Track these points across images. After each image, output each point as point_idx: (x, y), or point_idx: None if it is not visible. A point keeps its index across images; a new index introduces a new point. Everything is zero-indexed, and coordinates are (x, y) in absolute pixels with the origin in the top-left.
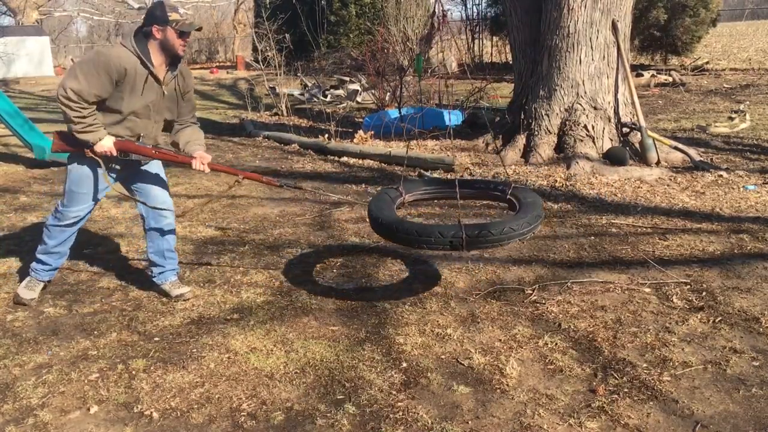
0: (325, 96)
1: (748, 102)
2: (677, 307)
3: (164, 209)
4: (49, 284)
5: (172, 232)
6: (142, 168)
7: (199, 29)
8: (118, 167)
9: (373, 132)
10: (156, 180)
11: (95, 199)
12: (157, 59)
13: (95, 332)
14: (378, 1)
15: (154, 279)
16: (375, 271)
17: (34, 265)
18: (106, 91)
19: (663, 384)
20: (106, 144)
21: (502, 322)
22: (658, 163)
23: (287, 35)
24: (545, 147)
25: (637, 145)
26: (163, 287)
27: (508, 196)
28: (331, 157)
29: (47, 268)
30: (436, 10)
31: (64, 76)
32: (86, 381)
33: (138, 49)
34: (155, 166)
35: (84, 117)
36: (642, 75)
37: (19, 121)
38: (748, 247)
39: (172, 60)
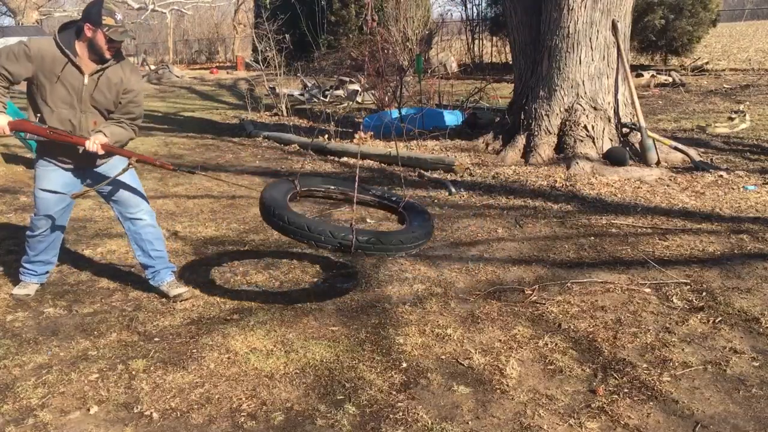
0: (325, 96)
1: (748, 102)
2: (677, 307)
3: (139, 210)
4: (42, 285)
5: (154, 232)
6: (105, 173)
7: (133, 38)
8: (70, 164)
9: (372, 132)
10: (127, 187)
11: (64, 203)
12: (82, 52)
13: (95, 332)
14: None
15: (151, 282)
16: (375, 271)
17: (21, 269)
18: (21, 74)
19: (663, 384)
20: (1, 121)
21: (502, 322)
22: (658, 163)
23: (287, 35)
24: (545, 147)
25: (637, 146)
26: (161, 288)
27: (400, 209)
28: (331, 157)
29: (33, 273)
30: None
31: None
32: (86, 381)
33: (60, 38)
34: (126, 176)
35: None
36: (642, 75)
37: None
38: (748, 247)
39: (98, 60)
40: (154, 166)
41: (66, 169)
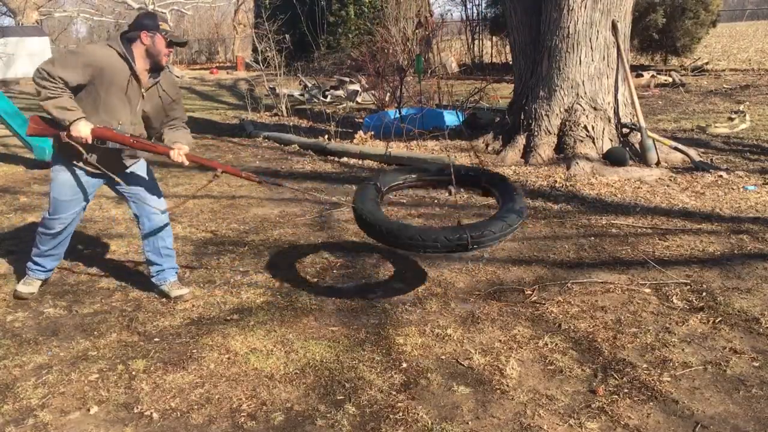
0: (325, 96)
1: (747, 102)
2: (677, 307)
3: (156, 208)
4: (46, 282)
5: (167, 230)
6: (129, 170)
7: (185, 44)
8: (98, 166)
9: (373, 132)
10: (144, 181)
11: (81, 205)
12: (139, 63)
13: (95, 332)
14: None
15: (153, 279)
16: (375, 271)
17: (29, 264)
18: (77, 80)
19: (663, 384)
20: (83, 128)
21: (502, 323)
22: (658, 163)
23: (287, 36)
24: (545, 147)
25: (637, 146)
26: (162, 288)
27: (483, 184)
28: (331, 158)
29: (42, 269)
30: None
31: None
32: (86, 381)
33: (123, 49)
34: (141, 169)
35: (59, 93)
36: (642, 75)
37: (19, 121)
38: (748, 247)
39: (154, 67)
40: (238, 177)
41: (82, 171)
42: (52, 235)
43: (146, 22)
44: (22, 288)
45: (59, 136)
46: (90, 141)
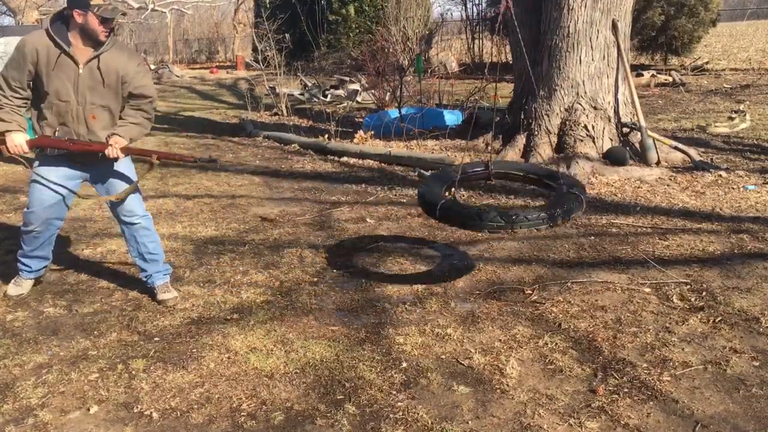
0: (325, 96)
1: (748, 102)
2: (677, 307)
3: (134, 213)
4: (39, 283)
5: (149, 234)
6: (108, 169)
7: (123, 14)
8: (76, 159)
9: (373, 132)
10: (120, 184)
11: (56, 200)
12: (76, 41)
13: (95, 332)
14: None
15: (146, 282)
16: (375, 271)
17: (18, 264)
18: (26, 74)
19: (663, 384)
20: (17, 139)
21: (502, 322)
22: (658, 163)
23: (287, 35)
24: (545, 147)
25: (637, 145)
26: (153, 288)
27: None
28: (331, 157)
29: (29, 269)
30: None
31: None
32: (86, 381)
33: (52, 29)
34: (124, 168)
35: (1, 104)
36: (642, 75)
37: None
38: (748, 247)
39: (95, 45)
40: (174, 161)
41: (67, 164)
42: (32, 233)
43: None
44: (12, 289)
45: (4, 148)
46: (26, 151)
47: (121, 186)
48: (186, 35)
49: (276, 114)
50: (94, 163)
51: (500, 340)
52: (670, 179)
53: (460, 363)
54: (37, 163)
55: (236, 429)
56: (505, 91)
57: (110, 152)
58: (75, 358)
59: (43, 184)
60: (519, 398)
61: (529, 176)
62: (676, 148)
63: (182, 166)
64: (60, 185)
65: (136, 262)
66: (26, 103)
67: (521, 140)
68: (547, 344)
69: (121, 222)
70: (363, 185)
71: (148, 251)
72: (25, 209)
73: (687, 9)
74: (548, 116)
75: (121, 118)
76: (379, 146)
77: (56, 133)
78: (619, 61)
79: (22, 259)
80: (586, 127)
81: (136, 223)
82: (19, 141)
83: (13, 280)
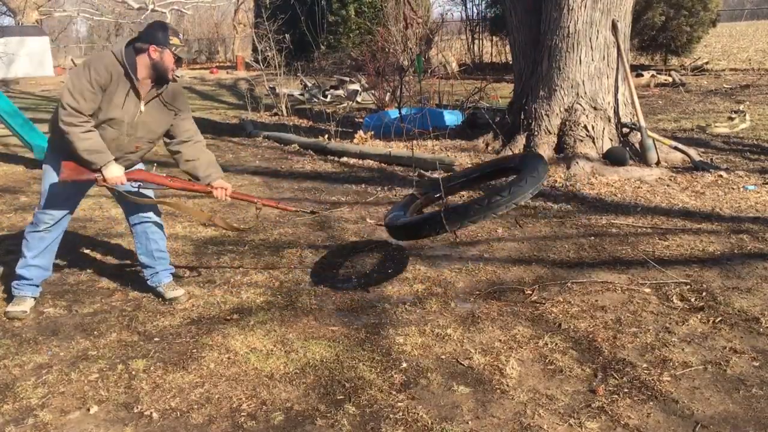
0: (325, 96)
1: (748, 102)
2: (677, 307)
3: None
4: (37, 299)
5: (159, 232)
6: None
7: (194, 60)
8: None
9: (373, 132)
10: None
11: (72, 201)
12: (142, 74)
13: (95, 332)
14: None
15: (148, 282)
16: (375, 271)
17: (15, 283)
18: (96, 101)
19: (663, 384)
20: (116, 172)
21: (502, 322)
22: (658, 163)
23: (287, 35)
24: (545, 147)
25: (637, 146)
26: (158, 290)
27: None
28: (331, 157)
29: (29, 283)
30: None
31: (61, 96)
32: (86, 381)
33: (126, 59)
34: (135, 167)
35: (87, 135)
36: (642, 75)
37: (19, 121)
38: (748, 247)
39: (158, 80)
40: (276, 208)
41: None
42: (41, 233)
43: (157, 35)
44: (12, 308)
45: (95, 180)
46: (124, 182)
47: (133, 187)
48: (186, 35)
49: (276, 114)
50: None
51: (500, 341)
52: (670, 179)
53: (460, 363)
54: (49, 161)
55: (236, 429)
56: (505, 91)
57: (219, 196)
58: (75, 358)
59: (57, 186)
60: (519, 398)
61: (487, 173)
62: (676, 148)
63: (293, 215)
64: (71, 190)
65: (143, 260)
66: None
67: (521, 140)
68: (547, 344)
69: (133, 219)
70: (363, 185)
71: (158, 248)
72: (36, 209)
73: (686, 9)
74: (548, 116)
75: (188, 159)
76: (379, 146)
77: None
78: (619, 61)
79: (22, 271)
80: (586, 127)
81: (149, 220)
82: (118, 173)
83: (12, 302)
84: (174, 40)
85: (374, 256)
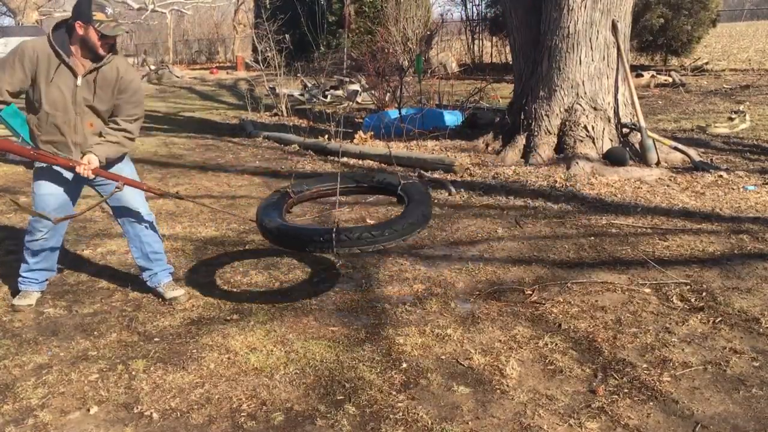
0: (325, 96)
1: (748, 102)
2: (677, 307)
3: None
4: (42, 292)
5: (152, 234)
6: (111, 171)
7: (126, 32)
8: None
9: (373, 132)
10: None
11: (63, 200)
12: (76, 51)
13: (95, 332)
14: (378, 1)
15: (148, 283)
16: (375, 271)
17: (21, 279)
18: (20, 82)
19: (663, 384)
20: None
21: (502, 323)
22: (658, 163)
23: (287, 35)
24: (545, 147)
25: (637, 146)
26: (158, 290)
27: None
28: (331, 158)
29: (35, 282)
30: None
31: None
32: (86, 381)
33: (53, 38)
34: (125, 170)
35: None
36: (642, 75)
37: (18, 121)
38: (748, 247)
39: (93, 57)
40: (142, 190)
41: (65, 169)
42: (39, 241)
43: (83, 10)
44: (19, 301)
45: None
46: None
47: (124, 191)
48: (186, 36)
49: (276, 114)
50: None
51: (500, 341)
52: (670, 180)
53: (460, 363)
54: (36, 166)
55: (236, 429)
56: (505, 91)
57: (81, 171)
58: (75, 358)
59: (46, 191)
60: (519, 398)
61: (367, 187)
62: (675, 148)
63: (158, 196)
64: (59, 192)
65: (140, 263)
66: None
67: (521, 141)
68: (547, 345)
69: (124, 222)
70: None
71: (153, 250)
72: (30, 217)
73: (686, 10)
74: (548, 117)
75: (101, 134)
76: (379, 147)
77: (45, 143)
78: (619, 61)
79: (26, 274)
80: (586, 127)
81: (140, 222)
82: None
83: (18, 295)
84: (98, 16)
85: (374, 256)
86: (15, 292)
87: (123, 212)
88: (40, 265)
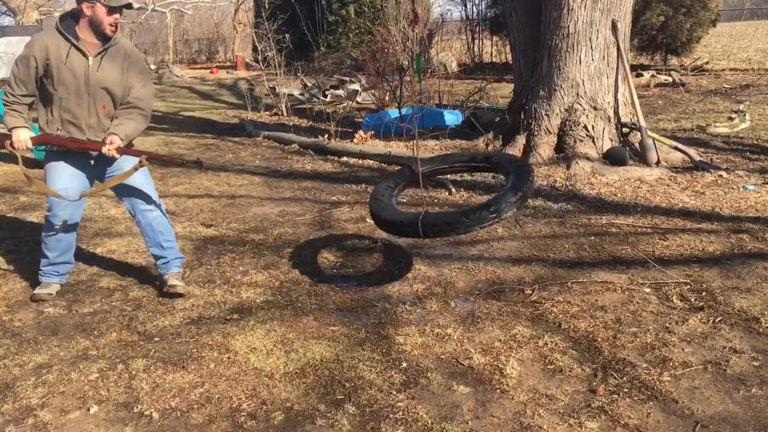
0: (325, 96)
1: (748, 102)
2: (677, 307)
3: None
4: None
5: (164, 223)
6: (117, 163)
7: (129, 6)
8: (83, 155)
9: (373, 132)
10: (137, 177)
11: (75, 190)
12: (84, 35)
13: (95, 332)
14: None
15: (160, 269)
16: (375, 271)
17: (41, 272)
18: (33, 71)
19: (663, 384)
20: (22, 135)
21: (502, 322)
22: (658, 163)
23: (287, 35)
24: (545, 147)
25: (637, 145)
26: (164, 277)
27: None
28: (331, 157)
29: (57, 274)
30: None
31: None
32: (86, 381)
33: (61, 26)
34: (131, 162)
35: (9, 103)
36: (642, 75)
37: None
38: (748, 247)
39: (101, 38)
40: (163, 162)
41: (75, 162)
42: (56, 236)
43: None
44: (40, 290)
45: (5, 144)
46: (30, 147)
47: (134, 181)
48: (186, 35)
49: (276, 114)
50: (103, 156)
51: (500, 340)
52: (670, 179)
53: (460, 363)
54: (47, 161)
55: (236, 429)
56: (505, 91)
57: (105, 151)
58: (75, 358)
59: (58, 177)
60: (519, 398)
61: (471, 166)
62: (676, 148)
63: (178, 166)
64: (75, 179)
65: (154, 252)
66: (28, 109)
67: (521, 140)
68: (547, 344)
69: (137, 212)
70: (363, 185)
71: (165, 239)
72: (47, 212)
73: (684, 8)
74: (548, 116)
75: (115, 116)
76: (379, 146)
77: (59, 130)
78: (619, 61)
79: (46, 268)
80: (586, 127)
81: (152, 211)
82: (24, 137)
83: (39, 286)
84: None
85: (374, 255)
86: (15, 291)
87: (136, 202)
88: (60, 259)
